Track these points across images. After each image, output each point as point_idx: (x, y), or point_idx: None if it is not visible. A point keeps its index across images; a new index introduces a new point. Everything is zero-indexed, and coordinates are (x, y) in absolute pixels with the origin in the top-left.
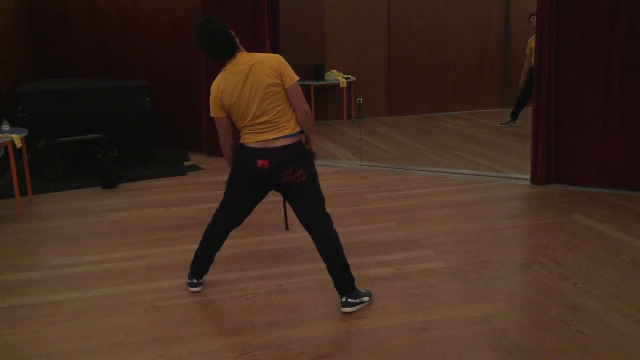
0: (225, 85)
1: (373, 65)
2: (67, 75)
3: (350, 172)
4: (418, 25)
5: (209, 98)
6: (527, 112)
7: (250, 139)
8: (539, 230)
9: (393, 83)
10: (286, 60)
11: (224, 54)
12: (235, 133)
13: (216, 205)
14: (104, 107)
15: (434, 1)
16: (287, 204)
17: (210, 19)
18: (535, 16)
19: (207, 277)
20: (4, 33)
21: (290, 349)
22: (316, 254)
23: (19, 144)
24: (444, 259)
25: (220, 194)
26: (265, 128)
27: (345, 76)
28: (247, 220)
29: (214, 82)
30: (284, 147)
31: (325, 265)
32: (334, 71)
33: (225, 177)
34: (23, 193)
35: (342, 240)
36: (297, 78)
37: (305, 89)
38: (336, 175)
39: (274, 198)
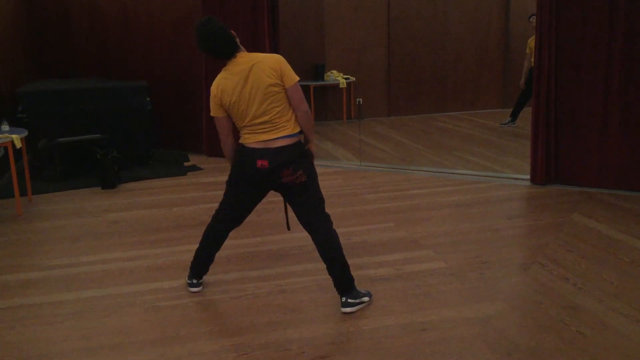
0: (225, 85)
1: (373, 66)
2: (67, 75)
3: (349, 172)
4: (418, 25)
5: (209, 98)
6: (527, 112)
7: (249, 139)
8: (538, 230)
9: (393, 83)
10: (286, 60)
11: (224, 54)
12: (235, 133)
13: (216, 205)
14: (104, 107)
15: (433, 1)
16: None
17: (210, 19)
18: (535, 16)
19: (207, 278)
20: (4, 33)
21: (290, 349)
22: (316, 254)
23: (18, 144)
24: (443, 259)
25: (220, 194)
26: (265, 128)
27: (345, 76)
28: (247, 220)
29: (214, 82)
30: (283, 147)
31: (325, 266)
32: (334, 71)
33: (225, 178)
34: (23, 193)
35: (342, 240)
36: (297, 78)
37: (305, 89)
38: (336, 175)
39: (274, 198)
